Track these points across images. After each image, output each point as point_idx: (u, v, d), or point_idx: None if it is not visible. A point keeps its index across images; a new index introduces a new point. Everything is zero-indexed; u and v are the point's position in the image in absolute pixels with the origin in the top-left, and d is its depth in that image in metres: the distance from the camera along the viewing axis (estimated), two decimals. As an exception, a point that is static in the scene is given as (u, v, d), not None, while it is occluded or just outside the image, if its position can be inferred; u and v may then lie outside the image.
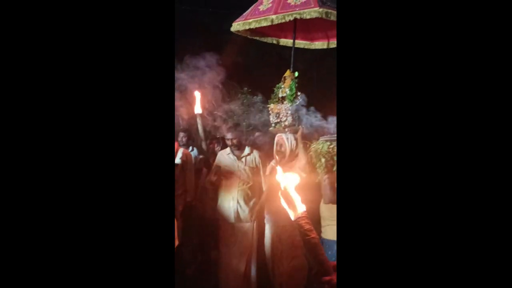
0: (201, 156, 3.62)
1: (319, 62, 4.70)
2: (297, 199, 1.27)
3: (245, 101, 3.28)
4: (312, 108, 2.89)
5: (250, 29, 3.44)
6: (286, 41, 4.01)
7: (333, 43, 3.75)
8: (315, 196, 2.46)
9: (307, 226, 1.26)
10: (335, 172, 2.27)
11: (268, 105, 2.96)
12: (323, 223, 2.47)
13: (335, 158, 2.27)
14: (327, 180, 2.37)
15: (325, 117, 2.81)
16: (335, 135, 2.36)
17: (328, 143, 2.32)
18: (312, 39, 3.94)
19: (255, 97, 3.20)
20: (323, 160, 2.35)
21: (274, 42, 4.01)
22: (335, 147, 2.26)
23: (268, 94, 3.08)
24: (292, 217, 1.26)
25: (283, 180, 1.32)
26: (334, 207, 2.32)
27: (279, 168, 1.38)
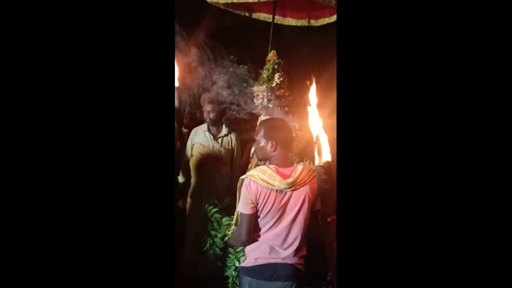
0: (185, 130, 3.43)
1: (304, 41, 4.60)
2: (325, 148, 1.34)
3: (230, 69, 3.11)
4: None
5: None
6: (259, 15, 3.87)
7: (314, 22, 3.69)
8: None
9: (324, 176, 1.41)
10: None
11: (253, 87, 2.85)
12: None
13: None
14: None
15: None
16: None
17: None
18: (285, 15, 3.84)
19: (241, 66, 3.06)
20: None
21: (247, 15, 3.86)
22: None
23: (256, 61, 2.96)
24: (316, 162, 1.37)
25: (313, 127, 1.43)
26: None
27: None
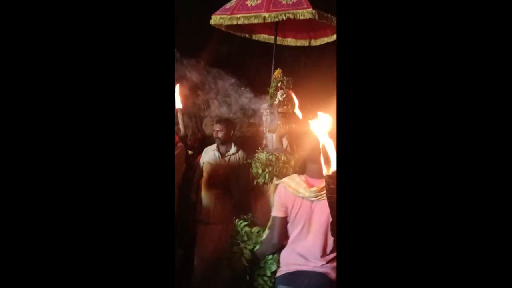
0: (190, 152, 3.45)
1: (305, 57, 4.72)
2: (333, 157, 1.37)
3: (232, 92, 3.19)
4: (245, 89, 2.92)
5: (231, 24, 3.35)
6: (259, 36, 3.97)
7: (314, 41, 3.79)
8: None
9: (332, 186, 1.44)
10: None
11: (261, 106, 2.90)
12: None
13: (276, 168, 2.35)
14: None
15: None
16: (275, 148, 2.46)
17: (266, 154, 2.38)
18: (285, 35, 3.94)
19: (242, 88, 3.13)
20: (266, 170, 2.38)
21: (247, 36, 3.95)
22: (274, 157, 2.36)
23: (258, 87, 3.03)
24: (324, 173, 1.39)
25: (320, 135, 1.46)
26: None
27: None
